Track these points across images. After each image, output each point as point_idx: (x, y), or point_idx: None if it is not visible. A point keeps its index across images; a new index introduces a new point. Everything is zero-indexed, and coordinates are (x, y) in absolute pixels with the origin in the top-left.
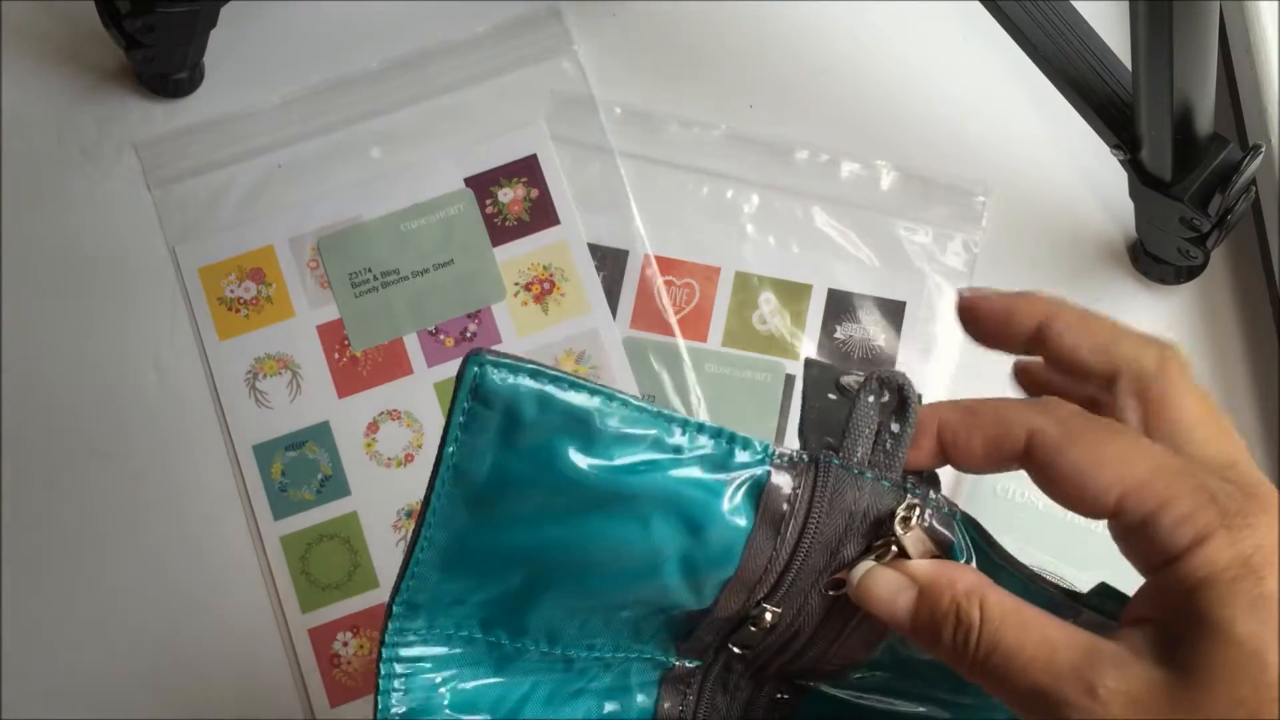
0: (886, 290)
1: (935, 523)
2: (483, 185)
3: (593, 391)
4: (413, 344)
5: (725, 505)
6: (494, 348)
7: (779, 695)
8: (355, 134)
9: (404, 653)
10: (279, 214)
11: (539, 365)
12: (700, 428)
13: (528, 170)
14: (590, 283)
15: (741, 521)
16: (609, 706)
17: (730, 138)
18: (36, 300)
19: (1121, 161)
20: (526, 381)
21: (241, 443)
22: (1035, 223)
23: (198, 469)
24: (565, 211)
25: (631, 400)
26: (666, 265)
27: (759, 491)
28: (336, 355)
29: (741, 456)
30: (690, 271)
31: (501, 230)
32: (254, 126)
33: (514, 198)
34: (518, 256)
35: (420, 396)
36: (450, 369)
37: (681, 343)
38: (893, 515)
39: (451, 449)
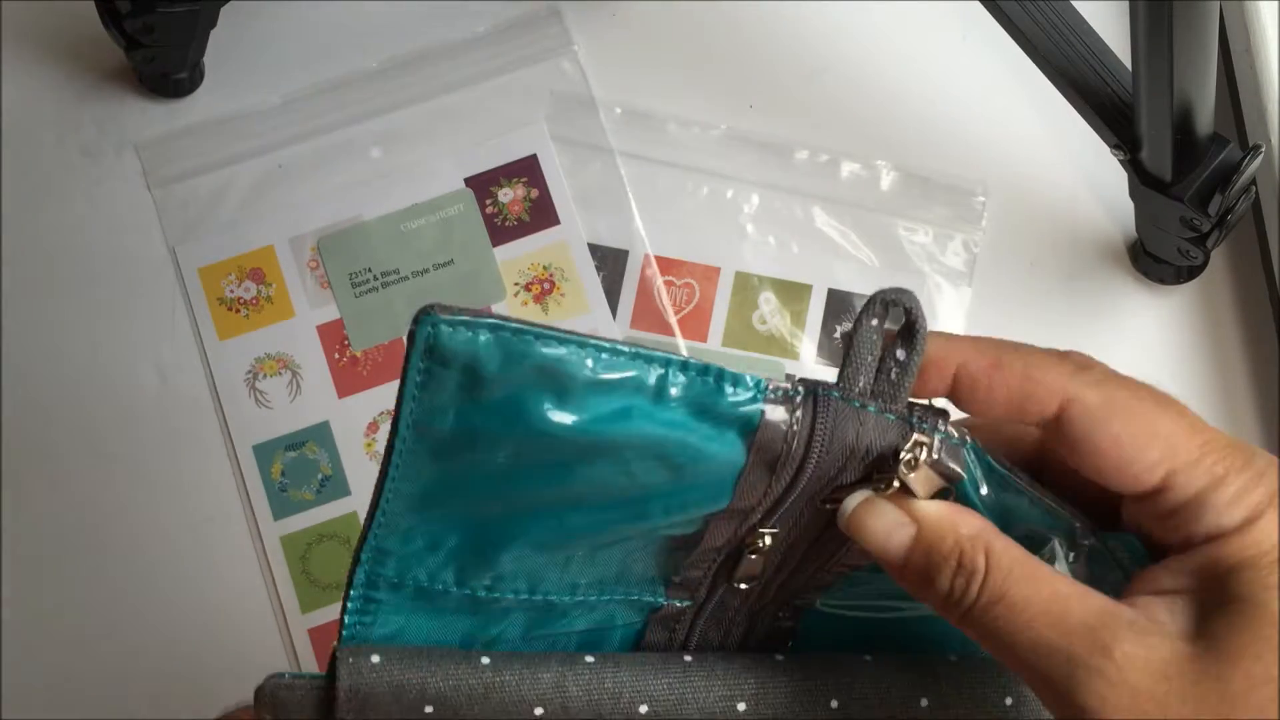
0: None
1: (944, 455)
2: (483, 185)
3: (562, 340)
4: None
5: (715, 447)
6: (448, 304)
7: (779, 616)
8: (355, 134)
9: (373, 594)
10: (279, 214)
11: (499, 318)
12: (684, 366)
13: (528, 170)
14: (590, 283)
15: (733, 461)
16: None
17: (730, 138)
18: (36, 300)
19: (1121, 161)
20: (487, 338)
21: (241, 443)
22: (1035, 223)
23: (198, 469)
24: (565, 211)
25: (605, 344)
26: (666, 265)
27: (752, 430)
28: (336, 355)
29: (731, 394)
30: (690, 271)
31: (501, 230)
32: (254, 126)
33: (514, 198)
34: (518, 256)
35: None
36: None
37: (681, 343)
38: (897, 453)
39: (409, 407)
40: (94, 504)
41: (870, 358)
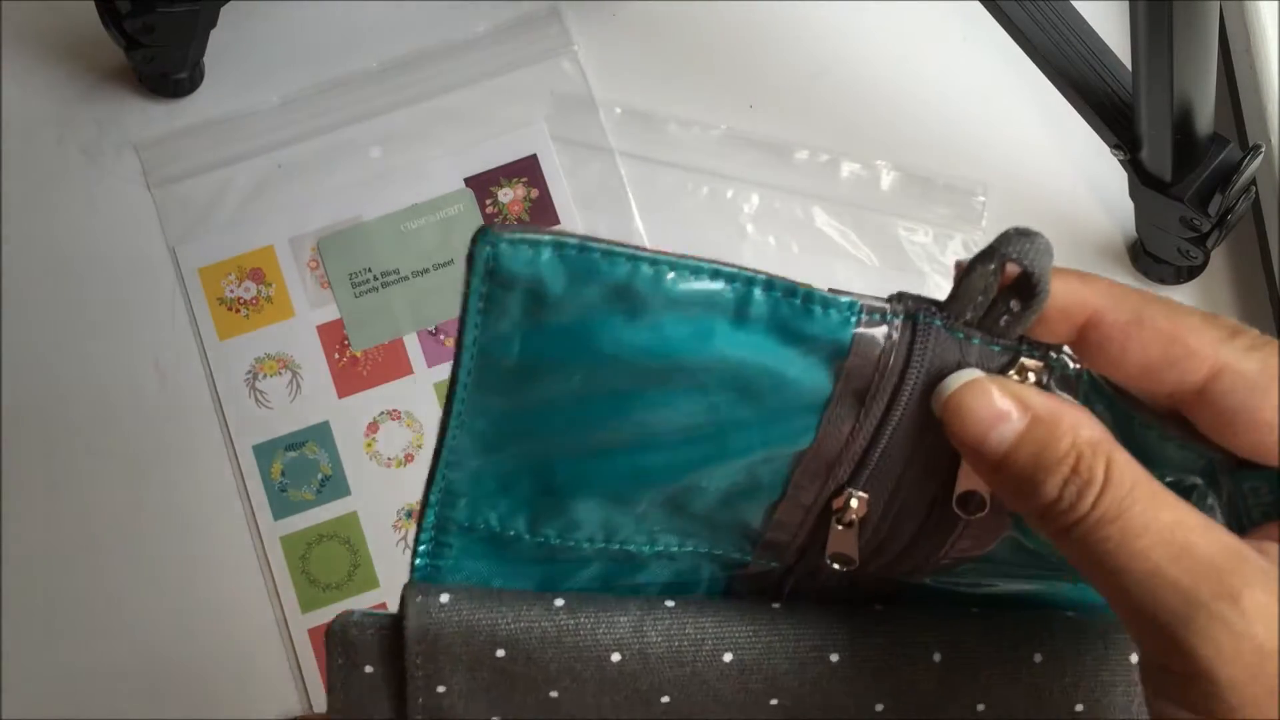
0: (887, 290)
1: (1054, 386)
2: (483, 185)
3: (631, 256)
4: (413, 344)
5: (800, 373)
6: (509, 225)
7: (880, 590)
8: (355, 134)
9: (444, 538)
10: (279, 214)
11: (562, 235)
12: (769, 284)
13: (528, 170)
14: None
15: (819, 391)
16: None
17: (730, 138)
18: (36, 300)
19: (1121, 161)
20: (548, 254)
21: (241, 443)
22: (1035, 222)
23: (197, 469)
24: (565, 211)
25: (679, 260)
26: None
27: (843, 355)
28: (336, 355)
29: (820, 314)
30: None
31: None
32: (254, 126)
33: (514, 198)
34: None
35: (420, 397)
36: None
37: None
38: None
39: (472, 335)
40: (93, 504)
41: (981, 297)
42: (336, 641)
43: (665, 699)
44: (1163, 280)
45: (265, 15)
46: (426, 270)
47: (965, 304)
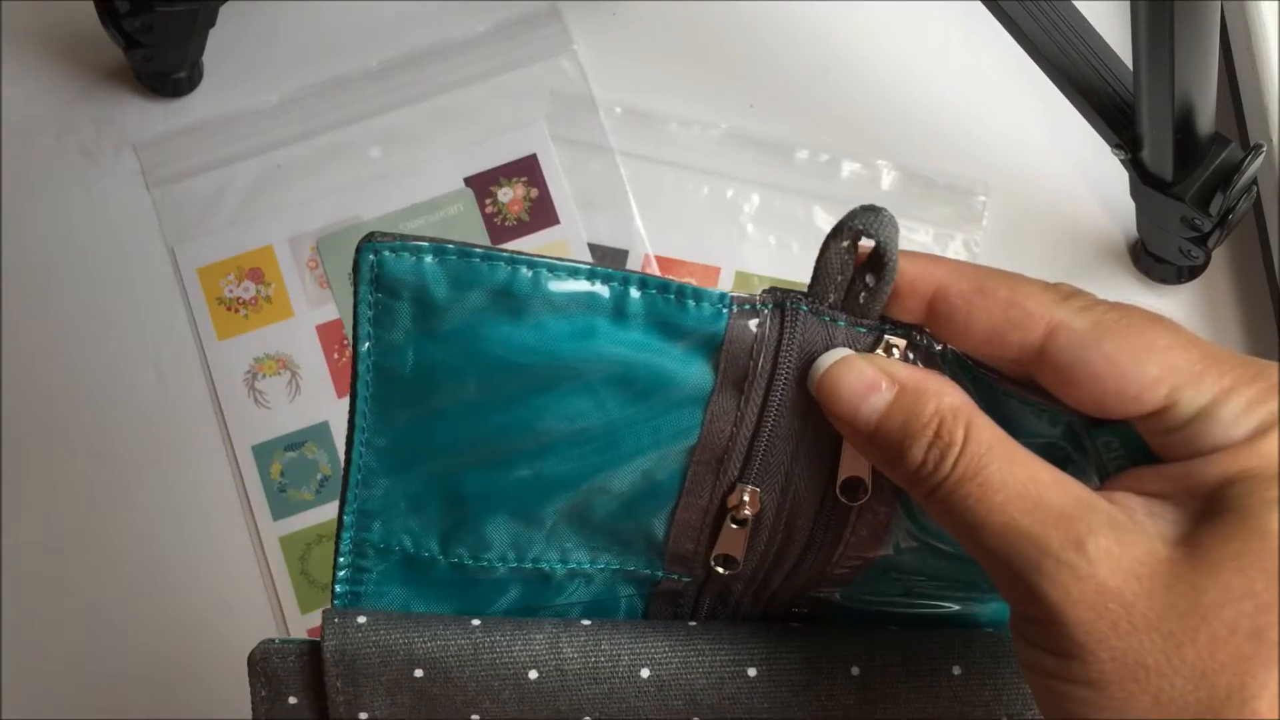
0: None
1: (920, 363)
2: (483, 185)
3: (510, 260)
4: None
5: (681, 367)
6: (390, 234)
7: (794, 611)
8: (355, 134)
9: (361, 562)
10: (278, 214)
11: (443, 241)
12: (643, 282)
13: (528, 170)
14: None
15: (701, 383)
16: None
17: (730, 137)
18: (35, 300)
19: (1122, 161)
20: (432, 262)
21: (240, 443)
22: (1036, 222)
23: (197, 469)
24: (565, 211)
25: (557, 263)
26: (666, 265)
27: (718, 346)
28: (336, 355)
29: (694, 309)
30: (690, 271)
31: (501, 230)
32: (253, 126)
33: (514, 197)
34: None
35: None
36: None
37: None
38: None
39: (365, 346)
40: (93, 504)
41: (840, 277)
42: (258, 672)
43: (586, 719)
44: (1164, 280)
45: (264, 15)
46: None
47: (827, 286)
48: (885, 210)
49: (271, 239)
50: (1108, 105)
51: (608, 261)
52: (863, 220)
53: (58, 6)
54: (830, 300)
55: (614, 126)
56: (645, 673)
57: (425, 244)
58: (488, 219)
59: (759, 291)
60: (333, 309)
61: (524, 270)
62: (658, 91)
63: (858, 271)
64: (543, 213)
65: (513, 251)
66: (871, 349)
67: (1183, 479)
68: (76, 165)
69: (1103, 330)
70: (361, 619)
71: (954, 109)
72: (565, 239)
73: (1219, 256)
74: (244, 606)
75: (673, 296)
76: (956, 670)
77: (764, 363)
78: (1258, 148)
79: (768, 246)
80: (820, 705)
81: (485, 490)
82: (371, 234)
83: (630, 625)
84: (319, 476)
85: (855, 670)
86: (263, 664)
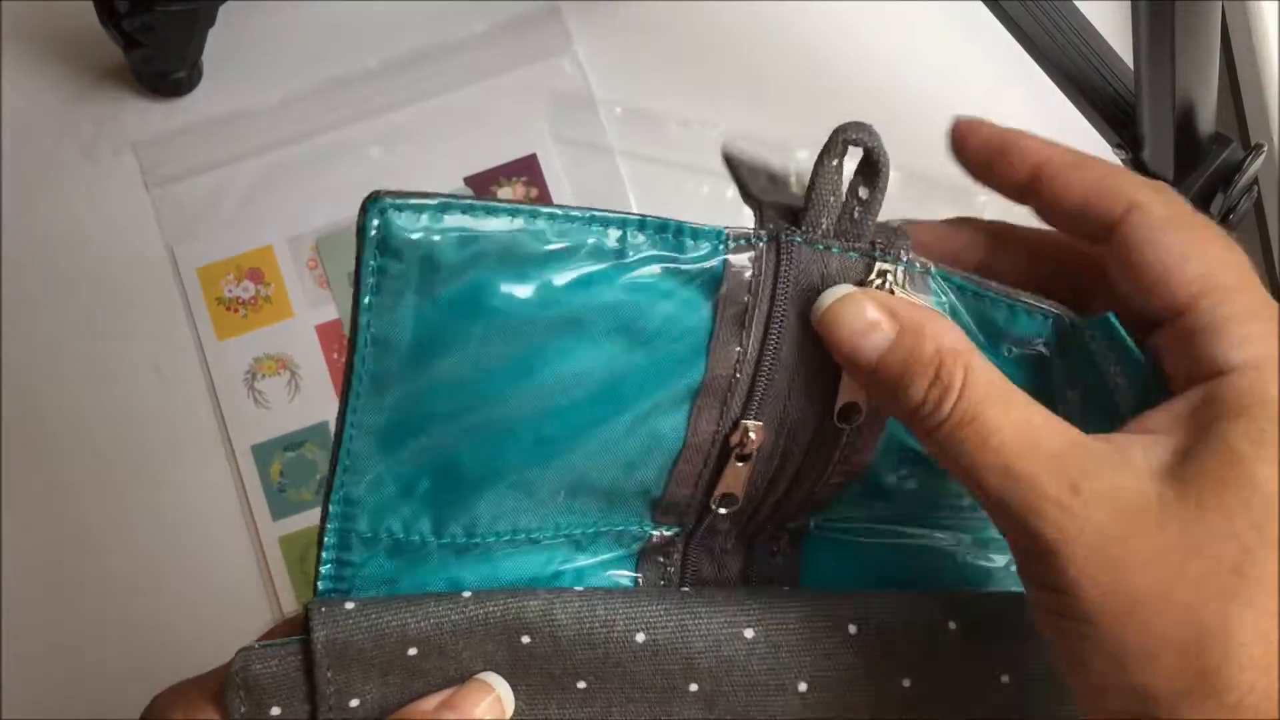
0: None
1: (908, 285)
2: (483, 185)
3: (513, 212)
4: None
5: (681, 306)
6: (394, 189)
7: (774, 550)
8: (355, 134)
9: (346, 556)
10: (278, 213)
11: (446, 196)
12: (642, 224)
13: (527, 170)
14: None
15: (701, 320)
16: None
17: (730, 136)
18: (34, 300)
19: (1123, 161)
20: (438, 220)
21: (240, 443)
22: (1036, 222)
23: (196, 469)
24: None
25: (558, 211)
26: None
27: (717, 283)
28: (336, 355)
29: (692, 247)
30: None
31: None
32: (253, 126)
33: (514, 197)
34: None
35: None
36: None
37: None
38: (862, 286)
39: (366, 319)
40: (92, 504)
41: (833, 198)
42: (237, 684)
43: (581, 684)
44: None
45: (264, 14)
46: None
47: (820, 211)
48: (870, 125)
49: (271, 239)
50: (1108, 105)
51: None
52: (851, 132)
53: (58, 6)
54: (824, 227)
55: (614, 126)
56: (640, 637)
57: (431, 202)
58: None
59: (754, 228)
60: (332, 309)
61: (529, 219)
62: (658, 91)
63: (850, 191)
64: None
65: (515, 202)
66: (864, 273)
67: (1182, 412)
68: (76, 165)
69: (1173, 222)
70: (349, 605)
71: (954, 109)
72: None
73: None
74: (244, 606)
75: (670, 236)
76: (953, 626)
77: (762, 298)
78: (1258, 148)
79: None
80: (818, 665)
81: (486, 459)
82: (378, 191)
83: (624, 592)
84: (319, 476)
85: (852, 629)
86: (243, 674)
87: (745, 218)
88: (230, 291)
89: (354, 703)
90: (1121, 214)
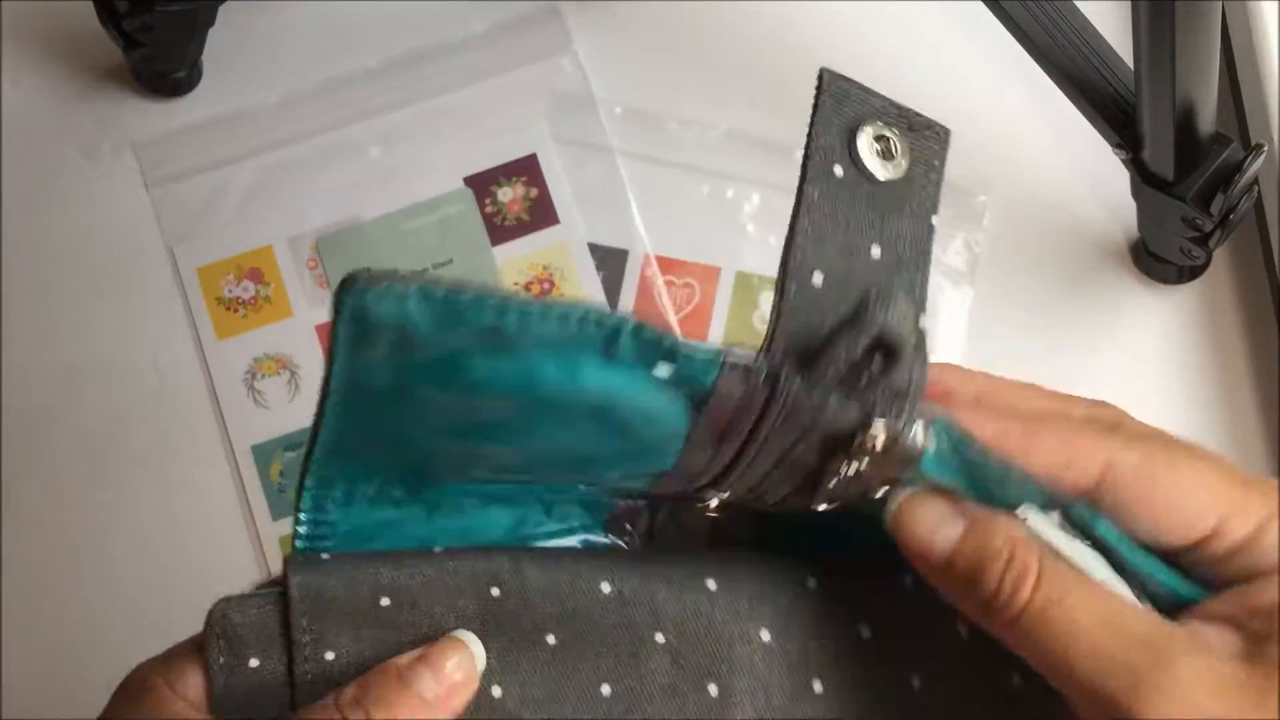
0: None
1: (903, 440)
2: (482, 184)
3: (501, 302)
4: None
5: (662, 411)
6: (376, 271)
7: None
8: (354, 134)
9: (321, 517)
10: (277, 213)
11: (428, 283)
12: (637, 330)
13: (527, 169)
14: (590, 282)
15: (680, 426)
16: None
17: (730, 137)
18: (34, 300)
19: (1123, 161)
20: (417, 304)
21: (240, 443)
22: (1037, 222)
23: (196, 469)
24: (565, 211)
25: (551, 305)
26: (666, 265)
27: (705, 396)
28: None
29: (685, 361)
30: (690, 271)
31: (501, 230)
32: (252, 126)
33: (513, 197)
34: (517, 256)
35: None
36: None
37: None
38: (852, 436)
39: (338, 364)
40: (92, 504)
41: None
42: (217, 632)
43: (551, 639)
44: (1165, 280)
45: (264, 14)
46: (425, 270)
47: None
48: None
49: (271, 239)
50: (1109, 105)
51: (608, 261)
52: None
53: (58, 6)
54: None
55: (614, 126)
56: (606, 587)
57: (411, 288)
58: (487, 219)
59: (759, 350)
60: None
61: (514, 312)
62: (658, 91)
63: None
64: (542, 212)
65: (504, 294)
66: (855, 426)
67: (1240, 604)
68: (75, 165)
69: (1155, 465)
70: (325, 556)
71: (954, 109)
72: (565, 239)
73: (1220, 256)
74: None
75: (665, 345)
76: (908, 581)
77: (745, 422)
78: (1259, 147)
79: (768, 246)
80: (779, 615)
81: (454, 462)
82: (352, 275)
83: (590, 549)
84: None
85: (811, 583)
86: (222, 621)
87: (745, 218)
88: (230, 291)
89: (329, 655)
90: (1097, 479)
